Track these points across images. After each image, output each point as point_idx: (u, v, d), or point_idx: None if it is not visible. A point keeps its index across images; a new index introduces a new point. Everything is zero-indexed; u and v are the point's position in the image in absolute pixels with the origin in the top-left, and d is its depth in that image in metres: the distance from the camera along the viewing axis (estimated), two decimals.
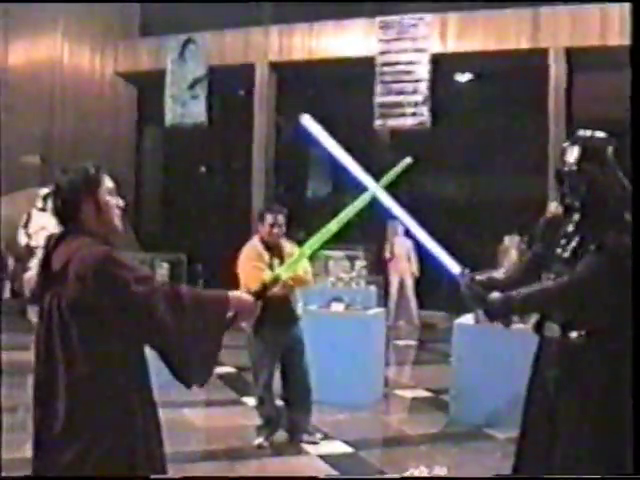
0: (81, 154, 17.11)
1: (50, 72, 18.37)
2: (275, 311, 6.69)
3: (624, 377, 3.93)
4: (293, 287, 7.28)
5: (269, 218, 7.26)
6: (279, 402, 7.63)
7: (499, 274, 4.46)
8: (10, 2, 17.36)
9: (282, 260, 7.09)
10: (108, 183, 3.61)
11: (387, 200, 4.23)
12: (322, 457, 7.11)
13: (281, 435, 7.60)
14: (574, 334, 4.09)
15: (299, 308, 7.53)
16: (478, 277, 4.23)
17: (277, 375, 7.59)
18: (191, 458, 7.12)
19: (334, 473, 6.73)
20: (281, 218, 7.30)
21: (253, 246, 7.31)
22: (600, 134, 4.36)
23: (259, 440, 7.40)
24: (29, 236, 12.34)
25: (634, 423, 3.68)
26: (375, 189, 4.07)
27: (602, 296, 4.04)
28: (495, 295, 4.13)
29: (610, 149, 4.27)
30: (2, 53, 18.37)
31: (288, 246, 7.36)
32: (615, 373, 4.00)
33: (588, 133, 4.35)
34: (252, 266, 7.11)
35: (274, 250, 7.25)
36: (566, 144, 4.29)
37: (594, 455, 4.01)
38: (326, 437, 7.65)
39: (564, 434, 4.09)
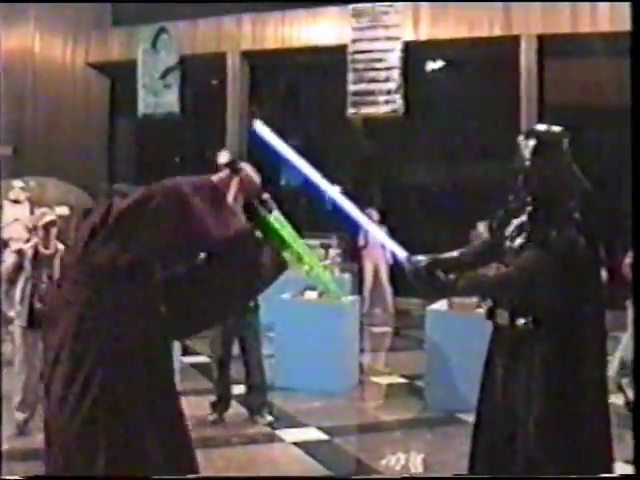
0: (53, 145, 17.07)
1: (22, 63, 18.25)
2: None
3: (571, 366, 3.98)
4: None
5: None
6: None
7: (447, 255, 4.45)
8: None
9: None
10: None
11: (343, 201, 4.18)
12: (297, 444, 7.15)
13: (257, 424, 7.70)
14: (521, 321, 4.11)
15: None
16: (423, 257, 4.14)
17: None
18: None
19: (309, 460, 6.76)
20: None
21: None
22: (555, 128, 4.38)
23: (213, 416, 7.77)
24: (0, 228, 12.29)
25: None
26: (331, 190, 3.98)
27: (543, 288, 4.06)
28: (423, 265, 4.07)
29: (565, 143, 4.29)
30: None
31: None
32: (561, 362, 4.01)
33: (543, 127, 4.42)
34: None
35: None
36: (521, 138, 4.30)
37: (545, 443, 4.02)
38: (275, 421, 7.75)
39: (516, 421, 4.12)
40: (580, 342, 3.99)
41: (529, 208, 4.27)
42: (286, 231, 3.38)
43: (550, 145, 4.24)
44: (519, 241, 4.24)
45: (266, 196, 3.28)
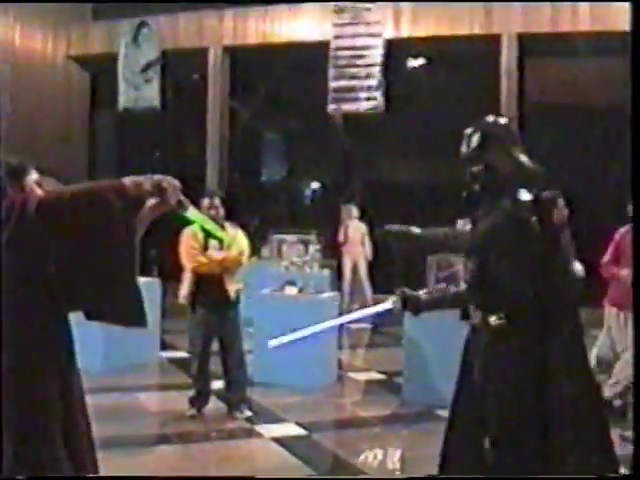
0: (34, 138, 16.99)
1: (2, 56, 18.14)
2: (208, 291, 7.56)
3: (543, 362, 3.98)
4: (227, 268, 7.60)
5: (205, 201, 7.58)
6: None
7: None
8: None
9: (221, 242, 7.39)
10: (34, 175, 3.76)
11: None
12: (276, 440, 7.16)
13: (236, 419, 7.73)
14: (493, 318, 4.12)
15: (233, 290, 7.69)
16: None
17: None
18: (146, 442, 7.16)
19: (287, 455, 6.78)
20: (217, 201, 7.66)
21: (190, 229, 7.58)
22: (500, 120, 4.50)
23: (191, 411, 7.79)
24: None
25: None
26: None
27: (505, 271, 4.08)
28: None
29: (510, 133, 4.43)
30: None
31: (230, 228, 7.76)
32: (534, 360, 4.01)
33: (489, 119, 4.47)
34: (187, 246, 7.60)
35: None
36: (467, 131, 4.38)
37: (515, 444, 4.03)
38: (253, 417, 7.80)
39: (489, 422, 4.13)
40: (552, 336, 3.99)
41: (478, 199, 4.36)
42: (198, 219, 3.93)
43: (494, 137, 4.32)
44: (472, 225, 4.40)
45: (182, 198, 3.48)
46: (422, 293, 4.67)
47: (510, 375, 4.04)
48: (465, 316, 4.44)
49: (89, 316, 3.64)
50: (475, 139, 4.31)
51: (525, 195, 4.10)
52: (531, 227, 4.02)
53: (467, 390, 4.32)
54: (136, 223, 3.47)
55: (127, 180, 3.40)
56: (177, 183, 3.48)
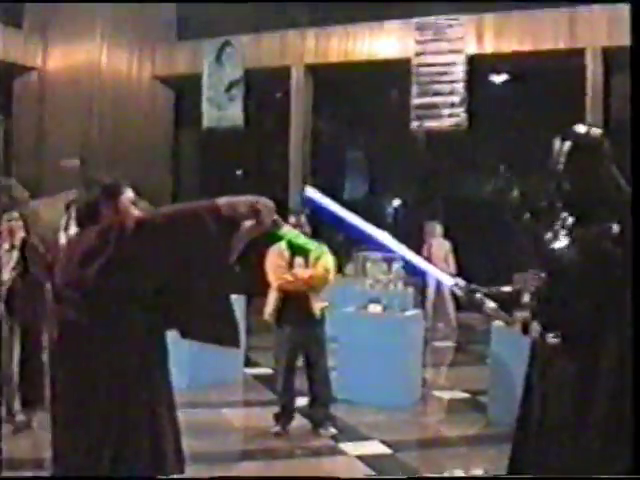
0: (119, 157, 17.28)
1: (88, 76, 18.51)
2: (293, 308, 7.61)
3: (593, 386, 3.87)
4: (313, 285, 7.62)
5: (291, 219, 7.57)
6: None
7: (497, 290, 4.47)
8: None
9: (307, 259, 7.45)
10: (129, 194, 3.78)
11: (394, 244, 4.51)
12: (360, 458, 7.13)
13: (320, 437, 7.71)
14: (550, 335, 4.02)
15: (319, 308, 7.71)
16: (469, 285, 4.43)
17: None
18: (230, 458, 7.22)
19: (372, 474, 6.75)
20: (303, 218, 7.70)
21: (277, 246, 7.70)
22: (594, 130, 4.16)
23: (276, 428, 7.78)
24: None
25: (634, 423, 3.60)
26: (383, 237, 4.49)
27: (576, 294, 3.94)
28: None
29: (605, 146, 4.08)
30: (41, 58, 18.56)
31: (316, 247, 7.63)
32: (584, 380, 3.90)
33: (581, 128, 4.16)
34: (273, 263, 7.69)
35: (298, 250, 7.56)
36: (557, 139, 4.11)
37: (567, 457, 3.95)
38: (338, 434, 7.77)
39: (546, 437, 4.03)
40: (600, 361, 3.86)
41: (562, 213, 4.12)
42: (292, 235, 4.04)
43: (587, 148, 4.04)
44: (552, 245, 4.12)
45: (275, 217, 3.53)
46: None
47: (563, 391, 3.96)
48: (525, 331, 4.34)
49: (184, 334, 3.68)
50: (565, 149, 4.06)
51: (616, 227, 3.86)
52: (616, 262, 3.82)
53: (529, 407, 4.22)
54: (232, 244, 3.48)
55: (222, 201, 3.41)
56: (271, 204, 3.48)
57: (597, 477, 3.83)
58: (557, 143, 4.11)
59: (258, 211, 3.44)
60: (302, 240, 4.79)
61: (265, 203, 3.47)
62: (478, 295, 4.39)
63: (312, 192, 4.28)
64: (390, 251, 11.34)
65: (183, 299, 3.57)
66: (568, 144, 4.05)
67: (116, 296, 3.45)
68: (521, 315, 4.43)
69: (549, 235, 4.17)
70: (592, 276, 3.89)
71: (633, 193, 3.75)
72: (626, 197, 3.85)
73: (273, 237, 3.84)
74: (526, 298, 4.32)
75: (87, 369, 3.51)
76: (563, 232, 4.09)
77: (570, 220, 4.08)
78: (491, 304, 4.37)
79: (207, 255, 3.44)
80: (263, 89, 18.70)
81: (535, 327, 4.16)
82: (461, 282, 4.46)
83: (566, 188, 4.03)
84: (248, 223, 3.51)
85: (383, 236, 4.34)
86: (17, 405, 7.73)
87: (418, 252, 14.58)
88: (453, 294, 4.54)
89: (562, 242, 4.06)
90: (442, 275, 4.69)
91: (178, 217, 3.45)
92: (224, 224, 3.39)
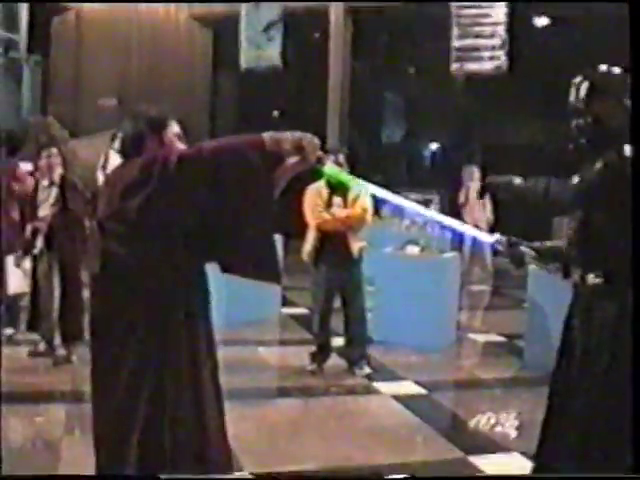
0: (157, 97, 17.28)
1: (126, 16, 18.49)
2: (331, 248, 7.59)
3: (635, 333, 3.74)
4: (350, 225, 7.61)
5: (330, 158, 7.45)
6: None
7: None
8: None
9: (345, 199, 7.41)
10: (175, 127, 3.76)
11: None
12: (395, 397, 7.16)
13: (355, 376, 7.75)
14: (591, 276, 3.95)
15: (357, 248, 7.68)
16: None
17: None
18: (266, 394, 7.29)
19: (406, 413, 6.77)
20: (341, 157, 7.67)
21: (315, 186, 7.68)
22: (614, 69, 4.13)
23: (312, 366, 7.83)
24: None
25: (634, 423, 3.54)
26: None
27: (610, 230, 3.86)
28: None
29: (623, 84, 4.01)
30: None
31: (355, 182, 7.63)
32: (630, 323, 3.77)
33: (600, 67, 4.14)
34: (311, 203, 7.66)
35: (337, 190, 7.57)
36: (577, 79, 4.05)
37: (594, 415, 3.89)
38: (373, 374, 7.78)
39: (580, 387, 3.97)
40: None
41: (586, 152, 4.05)
42: (334, 172, 4.36)
43: (606, 87, 4.02)
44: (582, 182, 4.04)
45: (320, 154, 3.51)
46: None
47: (608, 337, 3.87)
48: (566, 275, 4.28)
49: (225, 269, 3.68)
50: (583, 88, 4.00)
51: (629, 150, 3.82)
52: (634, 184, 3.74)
53: (568, 353, 4.14)
54: (275, 179, 3.46)
55: (267, 136, 3.39)
56: (316, 140, 3.46)
57: (597, 477, 3.80)
58: (576, 82, 4.06)
59: (302, 147, 3.42)
60: (343, 176, 4.79)
61: (310, 139, 3.45)
62: (520, 248, 4.34)
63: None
64: (428, 191, 11.28)
65: (225, 233, 3.55)
66: (587, 83, 4.02)
67: (158, 229, 3.45)
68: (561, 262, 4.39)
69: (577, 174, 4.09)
70: (616, 205, 3.82)
71: (633, 193, 3.70)
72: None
73: (315, 173, 3.83)
74: (566, 246, 4.27)
75: (128, 304, 3.52)
76: (587, 169, 4.01)
77: (592, 158, 3.99)
78: (532, 254, 4.31)
79: (251, 190, 3.43)
80: (302, 29, 18.56)
81: (575, 270, 4.10)
82: (500, 237, 4.39)
83: (587, 124, 3.99)
84: (292, 159, 3.48)
85: (415, 206, 4.31)
86: (57, 339, 7.83)
87: (456, 196, 14.53)
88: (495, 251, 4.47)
89: (585, 177, 3.99)
90: (481, 234, 4.62)
91: (222, 151, 3.43)
92: (268, 159, 3.38)
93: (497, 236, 4.43)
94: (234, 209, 3.47)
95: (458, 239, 13.82)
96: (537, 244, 4.38)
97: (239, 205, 3.46)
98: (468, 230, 4.77)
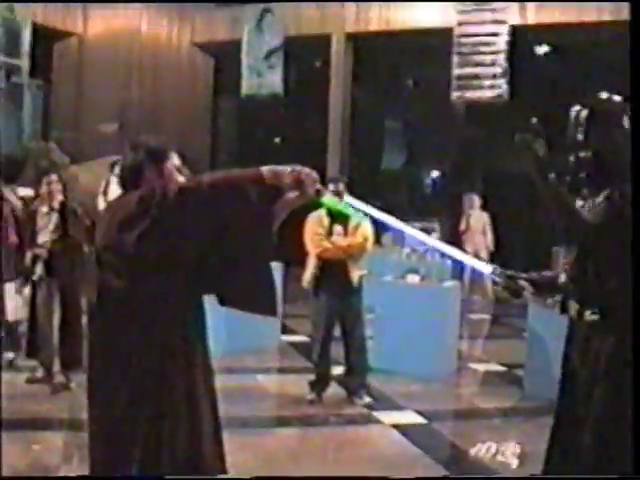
0: (158, 123, 17.32)
1: (128, 42, 18.55)
2: (331, 276, 7.60)
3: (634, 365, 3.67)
4: (351, 254, 7.64)
5: (330, 187, 7.48)
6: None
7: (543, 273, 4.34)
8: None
9: (346, 227, 7.42)
10: (174, 159, 3.75)
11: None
12: (395, 426, 7.13)
13: (355, 405, 7.72)
14: (588, 312, 3.88)
15: (357, 277, 7.70)
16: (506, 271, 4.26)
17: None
18: (265, 423, 7.25)
19: (406, 443, 6.74)
20: (341, 186, 7.59)
21: (316, 214, 7.68)
22: (614, 97, 3.99)
23: (311, 395, 7.79)
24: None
25: (634, 423, 3.51)
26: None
27: (607, 268, 3.80)
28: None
29: (624, 113, 3.88)
30: (81, 23, 18.61)
31: (353, 212, 7.65)
32: (625, 359, 3.72)
33: (600, 95, 4.01)
34: (312, 231, 7.65)
35: (337, 217, 7.58)
36: (576, 108, 3.93)
37: (597, 444, 3.84)
38: (373, 403, 7.75)
39: (577, 420, 3.93)
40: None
41: (584, 188, 3.94)
42: (332, 202, 4.40)
43: (607, 116, 3.87)
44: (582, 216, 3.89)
45: (318, 186, 3.50)
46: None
47: (605, 371, 3.83)
48: (563, 310, 4.19)
49: (222, 302, 3.68)
50: (582, 117, 3.88)
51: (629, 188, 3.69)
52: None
53: (569, 385, 4.09)
54: (274, 213, 3.48)
55: (265, 170, 3.39)
56: (314, 174, 3.48)
57: (597, 477, 3.77)
58: (575, 111, 3.94)
59: (301, 181, 3.43)
60: (342, 206, 4.78)
61: (308, 173, 3.45)
62: (517, 281, 4.29)
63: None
64: (429, 220, 11.27)
65: (224, 267, 3.55)
66: (586, 112, 3.89)
67: (155, 262, 3.44)
68: (559, 295, 4.32)
69: (576, 205, 3.97)
70: (618, 245, 3.74)
71: (633, 193, 3.64)
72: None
73: (314, 203, 3.83)
74: (563, 278, 4.22)
75: (124, 336, 3.51)
76: (587, 203, 3.93)
77: (593, 191, 3.91)
78: (530, 289, 4.25)
79: (249, 224, 3.44)
80: (303, 57, 18.62)
81: (572, 305, 4.03)
82: (497, 268, 4.33)
83: (587, 158, 3.87)
84: (291, 193, 3.48)
85: (417, 233, 4.29)
86: (57, 366, 7.81)
87: (456, 223, 14.59)
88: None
89: (587, 212, 3.88)
90: (479, 264, 4.55)
91: (221, 185, 3.42)
92: (267, 193, 3.38)
93: (495, 267, 4.37)
94: (233, 243, 3.48)
95: (459, 267, 13.85)
96: (535, 275, 4.32)
97: (238, 239, 3.47)
98: (466, 259, 4.72)
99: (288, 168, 3.43)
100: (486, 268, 4.38)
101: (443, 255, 12.00)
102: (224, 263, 3.54)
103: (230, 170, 3.55)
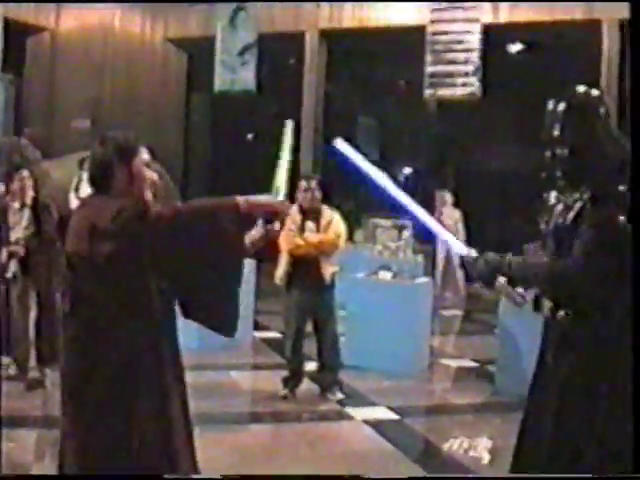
0: (131, 119, 17.26)
1: (101, 38, 18.48)
2: (303, 272, 7.60)
3: (609, 364, 3.71)
4: (323, 250, 7.67)
5: (302, 184, 7.63)
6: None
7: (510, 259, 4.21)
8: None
9: (318, 224, 7.43)
10: (144, 155, 3.74)
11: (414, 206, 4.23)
12: (367, 422, 7.17)
13: (328, 401, 7.75)
14: (561, 313, 3.82)
15: (329, 273, 7.73)
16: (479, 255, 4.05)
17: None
18: (238, 420, 7.27)
19: (379, 439, 6.78)
20: (313, 183, 7.71)
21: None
22: (592, 91, 3.85)
23: (284, 391, 7.80)
24: (80, 199, 12.44)
25: (634, 423, 3.52)
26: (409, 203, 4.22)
27: (591, 277, 3.68)
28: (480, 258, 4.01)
29: (603, 107, 3.80)
30: (54, 18, 18.51)
31: (328, 211, 7.80)
32: (598, 359, 3.72)
33: (578, 89, 3.85)
34: (284, 228, 7.55)
35: (310, 214, 7.68)
36: (550, 103, 3.82)
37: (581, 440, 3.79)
38: (345, 399, 7.78)
39: (551, 419, 3.88)
40: (616, 336, 3.67)
41: (561, 184, 3.85)
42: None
43: (584, 109, 3.76)
44: (558, 223, 3.84)
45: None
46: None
47: (578, 368, 3.80)
48: (537, 307, 4.08)
49: (186, 314, 3.71)
50: (559, 112, 3.77)
51: (627, 197, 3.57)
52: (624, 241, 3.55)
53: (541, 382, 4.04)
54: (246, 243, 3.63)
55: (241, 200, 3.46)
56: (288, 204, 3.70)
57: (597, 477, 3.79)
58: (551, 106, 3.83)
59: (275, 212, 3.58)
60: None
61: (284, 207, 3.64)
62: (490, 261, 4.15)
63: (342, 145, 4.15)
64: (401, 217, 11.31)
65: (193, 290, 3.62)
66: (563, 106, 3.78)
67: (126, 272, 3.45)
68: (532, 291, 4.27)
69: (550, 208, 3.94)
70: (600, 254, 3.65)
71: (633, 192, 3.56)
72: (623, 157, 3.65)
73: None
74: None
75: (94, 334, 3.51)
76: (564, 207, 3.84)
77: (571, 193, 3.81)
78: (502, 279, 4.04)
79: (222, 251, 3.51)
80: (276, 54, 18.60)
81: (546, 304, 3.96)
82: (474, 253, 4.11)
83: (564, 153, 3.76)
84: (256, 231, 3.66)
85: (405, 199, 4.18)
86: (32, 362, 7.78)
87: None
88: (464, 265, 4.26)
89: (565, 218, 3.80)
90: (458, 244, 4.40)
91: (197, 214, 3.51)
92: (241, 223, 3.48)
93: (472, 251, 4.11)
94: (204, 268, 3.53)
95: (430, 264, 13.92)
96: (513, 258, 3.98)
97: (209, 264, 3.52)
98: (449, 239, 4.51)
99: (263, 199, 3.53)
100: (464, 250, 4.20)
101: (415, 252, 12.13)
102: (194, 286, 3.60)
103: (207, 199, 3.66)
